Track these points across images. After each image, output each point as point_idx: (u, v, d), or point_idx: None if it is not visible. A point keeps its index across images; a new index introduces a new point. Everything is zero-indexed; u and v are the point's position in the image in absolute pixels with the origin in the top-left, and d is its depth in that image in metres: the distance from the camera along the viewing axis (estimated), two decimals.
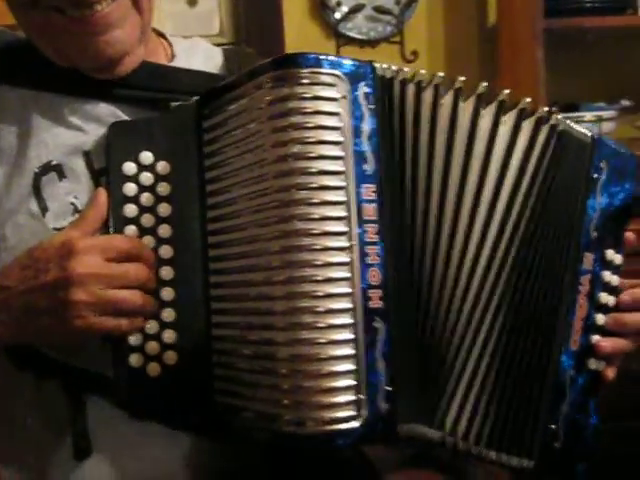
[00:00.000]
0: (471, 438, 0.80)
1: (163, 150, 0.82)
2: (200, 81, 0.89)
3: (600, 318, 0.87)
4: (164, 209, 0.82)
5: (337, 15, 2.40)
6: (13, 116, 0.86)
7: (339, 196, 0.72)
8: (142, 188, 0.81)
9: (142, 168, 0.82)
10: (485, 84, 0.80)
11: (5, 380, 0.87)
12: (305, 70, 0.73)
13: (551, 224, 0.83)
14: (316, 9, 2.41)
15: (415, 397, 0.77)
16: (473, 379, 0.80)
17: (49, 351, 0.83)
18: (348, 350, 0.72)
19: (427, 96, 0.79)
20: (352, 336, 0.72)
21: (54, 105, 0.87)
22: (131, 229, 0.81)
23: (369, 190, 0.73)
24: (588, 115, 2.14)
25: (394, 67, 0.78)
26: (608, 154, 0.87)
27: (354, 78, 0.74)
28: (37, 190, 0.84)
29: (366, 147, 0.74)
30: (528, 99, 0.82)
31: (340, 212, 0.72)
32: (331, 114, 0.73)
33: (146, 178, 0.82)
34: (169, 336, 0.80)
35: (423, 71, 0.80)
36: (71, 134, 0.86)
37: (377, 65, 0.76)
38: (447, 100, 0.79)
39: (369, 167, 0.73)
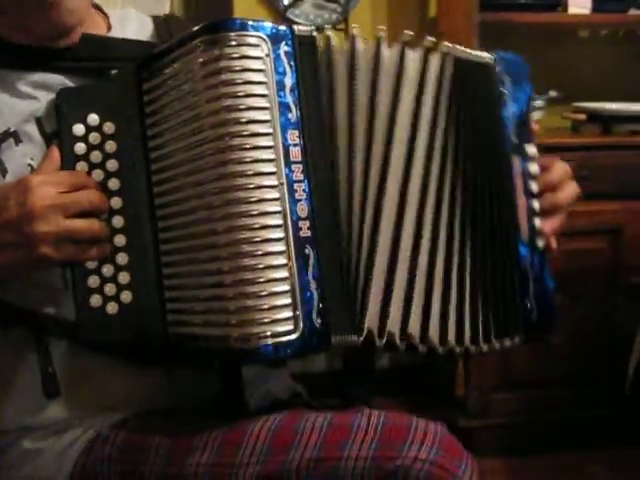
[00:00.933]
0: (466, 338, 0.93)
1: (108, 112, 0.91)
2: (137, 49, 0.98)
3: (536, 204, 1.00)
4: (112, 165, 0.90)
5: (285, 2, 2.48)
6: None
7: (268, 141, 0.82)
8: (91, 147, 0.90)
9: (90, 129, 0.90)
10: (409, 32, 0.92)
11: None
12: (232, 33, 0.82)
13: (478, 139, 0.95)
14: None
15: (344, 310, 0.87)
16: (447, 285, 0.93)
17: (13, 299, 0.91)
18: (284, 273, 0.82)
19: (344, 46, 0.91)
20: (286, 261, 0.82)
21: (6, 77, 0.94)
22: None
23: (294, 135, 0.83)
24: None
25: (312, 29, 0.88)
26: (507, 67, 0.99)
27: (275, 39, 0.83)
28: None
29: (289, 98, 0.83)
30: (410, 32, 0.93)
31: (269, 155, 0.82)
32: (257, 71, 0.82)
33: (94, 138, 0.90)
34: (123, 278, 0.89)
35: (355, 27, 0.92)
36: (25, 103, 0.93)
37: (295, 27, 0.86)
38: (365, 47, 0.92)
39: (292, 115, 0.83)
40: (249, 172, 0.81)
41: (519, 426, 2.22)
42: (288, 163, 0.82)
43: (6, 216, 0.83)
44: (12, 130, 0.92)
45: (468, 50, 0.96)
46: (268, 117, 0.82)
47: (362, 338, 0.88)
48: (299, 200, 0.83)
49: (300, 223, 0.83)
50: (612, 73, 2.58)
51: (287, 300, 0.81)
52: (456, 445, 0.87)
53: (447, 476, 0.83)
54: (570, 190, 1.03)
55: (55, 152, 0.89)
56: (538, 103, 2.31)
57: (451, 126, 0.93)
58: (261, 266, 0.81)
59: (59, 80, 0.94)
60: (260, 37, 0.82)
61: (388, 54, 0.91)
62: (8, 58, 0.94)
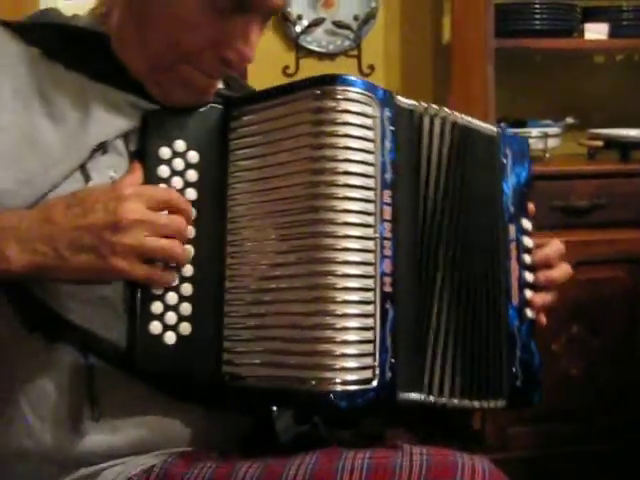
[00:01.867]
0: (447, 392, 0.92)
1: (194, 141, 0.91)
2: (223, 91, 1.00)
3: (528, 276, 1.03)
4: (190, 193, 0.89)
5: (297, 28, 2.47)
6: (71, 94, 0.91)
7: (372, 196, 0.85)
8: (174, 172, 0.89)
9: (175, 154, 0.90)
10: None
11: (17, 343, 0.90)
12: (348, 88, 0.85)
13: (478, 204, 0.98)
14: (278, 22, 2.49)
15: (408, 368, 0.88)
16: (446, 344, 0.93)
17: (64, 313, 0.88)
18: (369, 322, 0.83)
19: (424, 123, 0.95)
20: (372, 311, 0.83)
21: (107, 92, 0.92)
22: None
23: (387, 195, 0.86)
24: (534, 131, 2.24)
25: (407, 100, 0.92)
26: (510, 141, 1.04)
27: (383, 102, 0.87)
28: (84, 162, 0.89)
29: (387, 159, 0.87)
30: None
31: (371, 208, 0.85)
32: (370, 129, 0.85)
33: (178, 164, 0.90)
34: (185, 309, 0.87)
35: (434, 106, 0.94)
36: (119, 118, 0.92)
37: (395, 95, 0.90)
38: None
39: (388, 176, 0.87)
40: (341, 220, 0.83)
41: (537, 460, 2.18)
42: (382, 220, 0.86)
43: (92, 219, 0.81)
44: (107, 142, 0.91)
45: (475, 121, 1.00)
46: (372, 173, 0.85)
47: (424, 396, 0.90)
48: (386, 257, 0.85)
49: (385, 278, 0.85)
50: (629, 99, 2.56)
51: (368, 349, 0.83)
52: None
53: None
54: (564, 269, 1.06)
55: (138, 169, 0.87)
56: (554, 130, 2.29)
57: (452, 188, 0.96)
58: (347, 313, 0.82)
59: (150, 106, 0.93)
60: (372, 98, 0.86)
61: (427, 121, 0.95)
62: (110, 76, 0.93)
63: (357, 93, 0.85)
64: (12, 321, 0.88)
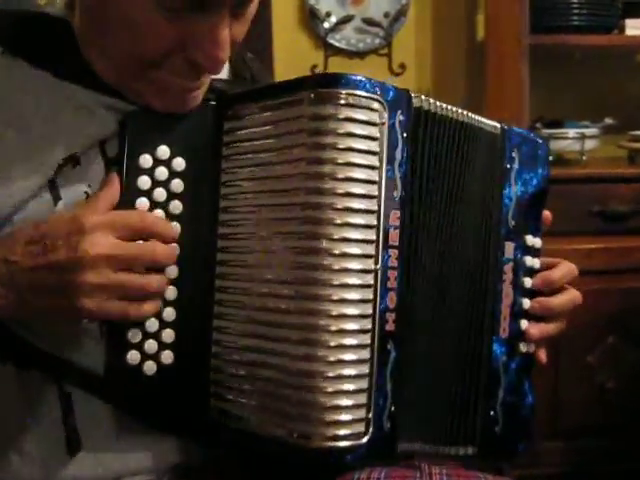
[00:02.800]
0: (416, 437, 0.81)
1: (180, 146, 0.80)
2: (218, 84, 0.88)
3: (526, 303, 0.89)
4: (175, 207, 0.80)
5: (326, 25, 2.41)
6: (36, 97, 0.81)
7: (371, 220, 0.73)
8: (156, 183, 0.79)
9: (158, 162, 0.80)
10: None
11: None
12: (349, 91, 0.73)
13: (471, 217, 0.85)
14: (305, 19, 2.42)
15: (408, 415, 0.78)
16: (416, 379, 0.82)
17: (36, 341, 0.81)
18: (363, 369, 0.73)
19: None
20: (367, 356, 0.73)
21: (77, 94, 0.82)
22: None
23: (395, 216, 0.75)
24: (571, 132, 2.14)
25: (426, 98, 0.79)
26: (518, 143, 0.88)
27: (394, 105, 0.75)
28: (53, 178, 0.80)
29: (397, 174, 0.75)
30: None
31: (371, 235, 0.73)
32: (371, 139, 0.73)
33: (161, 173, 0.80)
34: (168, 335, 0.79)
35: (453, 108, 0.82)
36: (93, 125, 0.82)
37: (413, 94, 0.77)
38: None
39: (397, 194, 0.75)
40: (338, 252, 0.72)
41: (569, 477, 2.08)
42: (386, 247, 0.74)
43: (52, 257, 0.72)
44: (78, 154, 0.81)
45: (477, 118, 0.85)
46: (375, 192, 0.73)
47: (430, 446, 0.81)
48: (390, 289, 0.74)
49: (387, 315, 0.75)
50: None
51: (361, 400, 0.73)
52: None
53: None
54: (569, 297, 0.92)
55: (115, 181, 0.78)
56: (592, 131, 2.19)
57: (443, 199, 0.83)
58: (337, 359, 0.72)
59: (131, 106, 0.83)
60: (379, 101, 0.74)
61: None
62: (81, 75, 0.83)
63: (362, 97, 0.73)
64: None
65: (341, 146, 0.72)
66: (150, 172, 0.79)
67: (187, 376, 0.80)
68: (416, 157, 0.78)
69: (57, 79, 0.82)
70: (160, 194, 0.79)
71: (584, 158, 2.16)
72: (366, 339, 0.73)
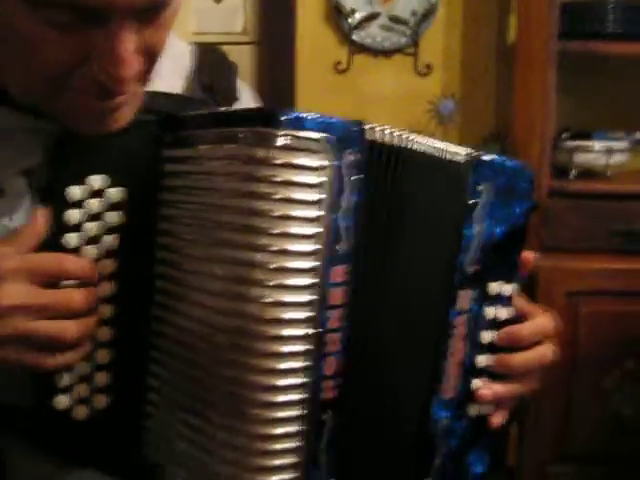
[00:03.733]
0: None
1: (116, 173, 0.74)
2: (163, 102, 0.81)
3: (481, 360, 0.79)
4: (109, 242, 0.74)
5: (351, 22, 2.33)
6: None
7: (305, 279, 0.65)
8: (88, 216, 0.73)
9: (89, 194, 0.73)
10: None
11: None
12: (284, 132, 0.64)
13: (425, 264, 0.75)
14: (330, 14, 2.36)
15: None
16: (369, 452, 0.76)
17: None
18: (292, 444, 0.67)
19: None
20: (298, 429, 0.67)
21: None
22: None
23: (340, 271, 0.67)
24: (597, 145, 2.04)
25: (381, 128, 0.70)
26: (489, 175, 0.76)
27: (342, 144, 0.66)
28: None
29: (342, 223, 0.66)
30: None
31: (304, 297, 0.65)
32: (309, 186, 0.65)
33: (93, 205, 0.73)
34: (100, 379, 0.75)
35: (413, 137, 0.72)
36: (18, 152, 0.77)
37: (367, 127, 0.68)
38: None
39: (342, 246, 0.66)
40: (269, 317, 0.65)
41: None
42: (324, 308, 0.66)
43: None
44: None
45: (441, 144, 0.75)
46: (311, 248, 0.65)
47: None
48: (329, 354, 0.67)
49: (324, 383, 0.67)
50: None
51: (289, 475, 0.67)
52: None
53: None
54: (535, 354, 0.81)
55: (40, 217, 0.72)
56: (620, 145, 2.08)
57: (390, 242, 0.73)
58: (264, 433, 0.66)
59: (58, 127, 0.76)
60: (323, 142, 0.65)
61: None
62: (7, 97, 0.76)
63: (301, 138, 0.64)
64: None
65: (275, 196, 0.64)
66: (80, 205, 0.73)
67: (121, 421, 0.76)
68: (372, 200, 0.69)
69: None
70: (92, 229, 0.73)
71: (608, 173, 2.05)
72: (296, 411, 0.66)
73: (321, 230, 0.65)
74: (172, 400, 0.74)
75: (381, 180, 0.70)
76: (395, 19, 2.33)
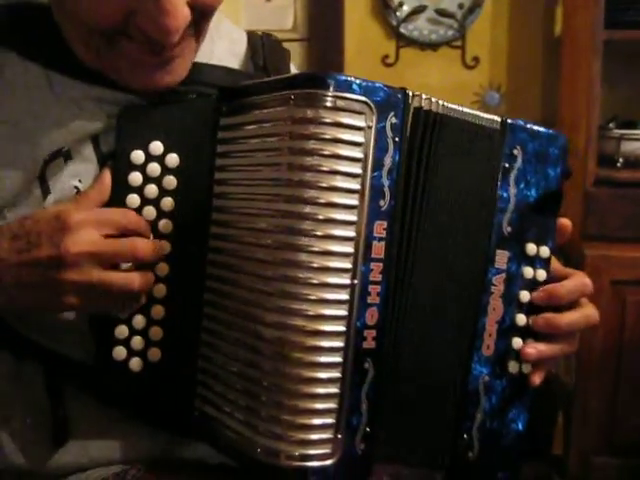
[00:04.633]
0: (395, 457, 0.78)
1: (174, 142, 0.79)
2: (222, 76, 0.87)
3: (521, 319, 0.80)
4: (167, 204, 0.79)
5: (399, 15, 2.36)
6: (25, 91, 0.82)
7: (349, 231, 0.69)
8: (148, 179, 0.78)
9: (150, 158, 0.79)
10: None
11: None
12: (333, 93, 0.69)
13: (464, 225, 0.78)
14: (378, 8, 2.39)
15: (388, 435, 0.75)
16: (411, 404, 0.78)
17: (28, 333, 0.82)
18: (333, 389, 0.70)
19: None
20: (339, 375, 0.70)
21: (67, 88, 0.82)
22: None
23: (380, 227, 0.71)
24: None
25: (427, 97, 0.74)
26: (523, 139, 0.79)
27: (384, 107, 0.70)
28: (42, 173, 0.80)
29: (385, 182, 0.71)
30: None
31: (347, 248, 0.69)
32: (353, 144, 0.69)
33: (153, 169, 0.78)
34: (155, 333, 0.79)
35: (454, 106, 0.76)
36: (84, 119, 0.82)
37: (410, 93, 0.73)
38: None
39: (384, 203, 0.71)
40: (316, 265, 0.69)
41: None
42: (367, 260, 0.70)
43: (35, 254, 0.73)
44: (65, 149, 0.81)
45: (477, 112, 0.78)
46: (355, 202, 0.69)
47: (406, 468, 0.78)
48: (371, 305, 0.71)
49: (365, 332, 0.71)
50: None
51: (329, 420, 0.71)
52: None
53: None
54: (581, 314, 0.81)
55: (107, 177, 0.78)
56: None
57: (431, 202, 0.76)
58: (307, 377, 0.70)
59: (127, 98, 0.82)
60: (366, 104, 0.69)
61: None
62: (72, 66, 0.82)
63: (347, 99, 0.68)
64: None
65: (322, 152, 0.68)
66: (142, 168, 0.78)
67: (174, 375, 0.80)
68: (412, 163, 0.73)
69: (47, 71, 0.82)
70: (152, 191, 0.78)
71: None
72: (338, 358, 0.70)
73: (365, 185, 0.69)
74: (223, 352, 0.77)
75: (421, 143, 0.74)
76: (442, 12, 2.36)
